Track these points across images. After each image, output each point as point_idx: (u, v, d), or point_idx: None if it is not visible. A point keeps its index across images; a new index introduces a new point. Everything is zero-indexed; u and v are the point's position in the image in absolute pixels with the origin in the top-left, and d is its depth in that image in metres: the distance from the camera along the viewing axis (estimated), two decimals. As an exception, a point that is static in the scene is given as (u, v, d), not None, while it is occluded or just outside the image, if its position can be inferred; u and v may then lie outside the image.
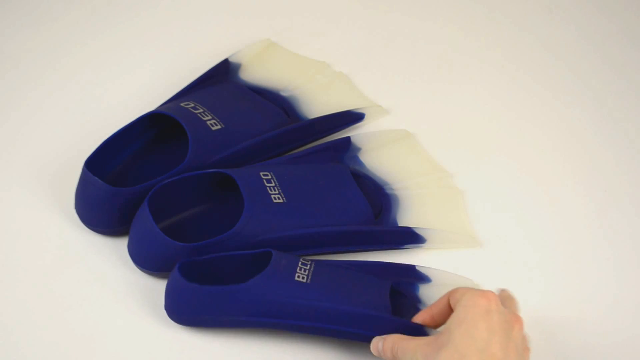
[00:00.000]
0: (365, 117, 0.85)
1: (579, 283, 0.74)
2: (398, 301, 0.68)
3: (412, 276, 0.71)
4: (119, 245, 0.72)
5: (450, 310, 0.61)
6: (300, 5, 0.99)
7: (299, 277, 0.64)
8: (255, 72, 0.88)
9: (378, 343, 0.62)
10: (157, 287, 0.69)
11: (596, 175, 0.83)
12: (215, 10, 0.97)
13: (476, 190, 0.80)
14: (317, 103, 0.85)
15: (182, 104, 0.75)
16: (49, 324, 0.67)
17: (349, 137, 0.81)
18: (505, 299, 0.63)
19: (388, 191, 0.78)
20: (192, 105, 0.75)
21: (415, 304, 0.69)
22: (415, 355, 0.58)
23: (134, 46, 0.91)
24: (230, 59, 0.87)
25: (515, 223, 0.79)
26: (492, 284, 0.72)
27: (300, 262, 0.66)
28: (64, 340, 0.66)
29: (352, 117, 0.84)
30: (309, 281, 0.64)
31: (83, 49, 0.90)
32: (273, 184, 0.71)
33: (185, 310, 0.65)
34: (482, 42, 0.97)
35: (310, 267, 0.66)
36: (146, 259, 0.69)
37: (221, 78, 0.85)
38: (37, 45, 0.90)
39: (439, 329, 0.63)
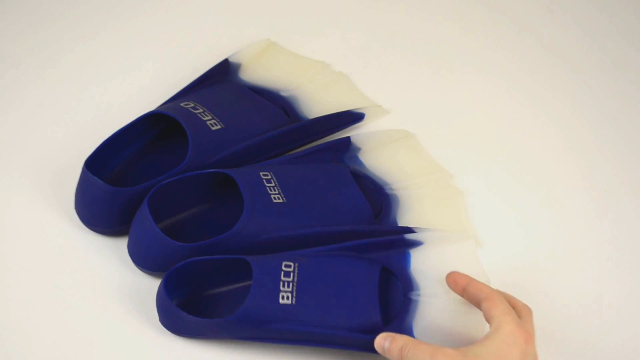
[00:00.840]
0: (365, 117, 0.85)
1: (579, 283, 0.74)
2: (389, 284, 0.68)
3: (403, 245, 0.70)
4: (119, 245, 0.72)
5: (476, 303, 0.62)
6: (300, 5, 0.99)
7: (283, 297, 0.63)
8: (255, 72, 0.88)
9: (384, 341, 0.61)
10: (157, 287, 0.69)
11: (596, 175, 0.83)
12: (215, 10, 0.97)
13: (476, 190, 0.80)
14: (317, 103, 0.85)
15: (182, 104, 0.75)
16: (49, 323, 0.67)
17: (349, 137, 0.81)
18: (521, 310, 0.62)
19: (388, 191, 0.78)
20: (192, 105, 0.75)
21: (406, 287, 0.68)
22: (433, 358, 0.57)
23: (134, 46, 0.91)
24: (230, 59, 0.87)
25: (515, 223, 0.79)
26: (491, 284, 0.72)
27: (282, 274, 0.64)
28: (64, 340, 0.66)
29: (352, 117, 0.84)
30: (294, 302, 0.63)
31: (83, 49, 0.90)
32: (273, 184, 0.71)
33: (176, 328, 0.66)
34: (482, 42, 0.97)
35: (293, 277, 0.64)
36: (146, 259, 0.69)
37: (221, 78, 0.85)
38: (37, 45, 0.90)
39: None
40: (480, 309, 0.62)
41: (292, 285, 0.64)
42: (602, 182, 0.83)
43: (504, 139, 0.86)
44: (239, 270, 0.67)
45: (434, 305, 0.66)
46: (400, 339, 0.60)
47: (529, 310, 0.63)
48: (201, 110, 0.75)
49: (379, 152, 0.81)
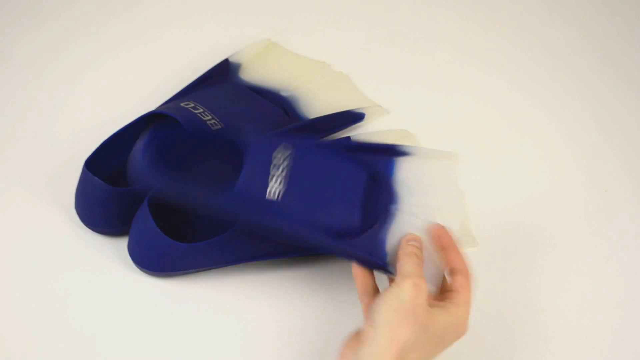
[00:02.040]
0: (365, 117, 0.85)
1: (579, 283, 0.74)
2: (373, 191, 0.67)
3: (391, 152, 0.69)
4: (119, 245, 0.72)
5: (448, 268, 0.63)
6: (300, 5, 0.99)
7: (270, 193, 0.62)
8: (255, 72, 0.88)
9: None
10: (158, 287, 0.69)
11: (596, 175, 0.83)
12: (215, 10, 0.97)
13: (476, 190, 0.80)
14: (317, 103, 0.85)
15: (182, 104, 0.75)
16: (49, 323, 0.67)
17: (349, 137, 0.81)
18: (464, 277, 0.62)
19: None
20: (192, 105, 0.75)
21: (388, 197, 0.67)
22: (409, 286, 0.58)
23: (134, 46, 0.91)
24: (230, 59, 0.87)
25: (515, 223, 0.79)
26: (491, 285, 0.72)
27: (272, 166, 0.63)
28: (64, 340, 0.66)
29: (352, 117, 0.84)
30: (280, 198, 0.62)
31: (83, 49, 0.90)
32: (202, 111, 0.71)
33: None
34: (482, 42, 0.97)
35: (285, 167, 0.63)
36: (146, 259, 0.69)
37: (221, 78, 0.85)
38: (37, 46, 0.90)
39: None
40: (449, 277, 0.62)
41: (281, 180, 0.63)
42: (602, 182, 0.83)
43: (504, 139, 0.86)
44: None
45: (409, 224, 0.65)
46: (419, 238, 0.62)
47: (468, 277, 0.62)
48: (201, 110, 0.75)
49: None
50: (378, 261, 0.63)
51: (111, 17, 0.94)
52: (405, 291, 0.57)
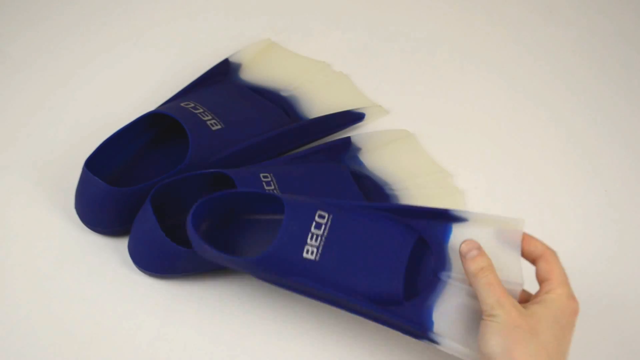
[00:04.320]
0: (365, 117, 0.85)
1: (580, 284, 0.74)
2: (422, 256, 0.63)
3: (447, 217, 0.64)
4: (119, 245, 0.72)
5: (531, 259, 0.62)
6: (300, 5, 0.99)
7: (307, 251, 0.60)
8: (255, 72, 0.88)
9: (472, 249, 0.60)
10: (158, 287, 0.69)
11: (596, 175, 0.83)
12: (215, 10, 0.97)
13: (476, 190, 0.80)
14: (317, 103, 0.85)
15: (182, 104, 0.75)
16: (49, 323, 0.67)
17: (349, 137, 0.81)
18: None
19: (388, 191, 0.78)
20: (192, 105, 0.75)
21: (439, 264, 0.63)
22: (500, 310, 0.57)
23: (134, 46, 0.91)
24: (230, 59, 0.87)
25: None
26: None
27: (313, 225, 0.61)
28: (64, 341, 0.66)
29: (352, 117, 0.84)
30: (317, 258, 0.60)
31: (83, 49, 0.90)
32: (273, 188, 0.71)
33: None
34: (482, 42, 0.97)
35: (324, 232, 0.61)
36: (147, 260, 0.69)
37: (221, 78, 0.85)
38: (37, 45, 0.90)
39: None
40: (535, 266, 0.61)
41: (320, 239, 0.61)
42: (603, 182, 0.83)
43: (504, 139, 0.86)
44: (268, 206, 0.65)
45: (461, 292, 0.62)
46: (487, 259, 0.60)
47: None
48: (201, 110, 0.75)
49: (379, 152, 0.81)
50: (422, 330, 0.60)
51: (111, 17, 0.94)
52: (501, 318, 0.57)
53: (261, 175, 0.71)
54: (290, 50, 0.92)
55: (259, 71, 0.88)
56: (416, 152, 0.83)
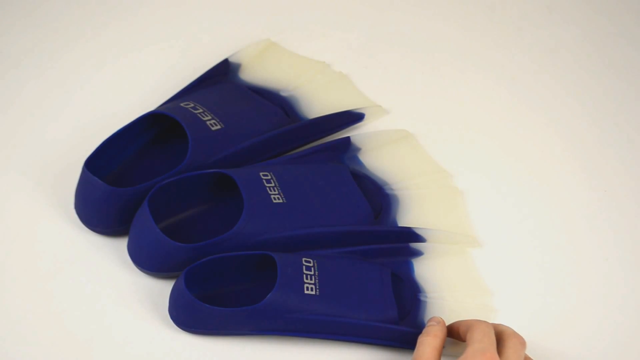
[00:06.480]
0: (365, 117, 0.85)
1: (579, 284, 0.74)
2: (398, 286, 0.71)
3: (406, 254, 0.73)
4: (119, 245, 0.72)
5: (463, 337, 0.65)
6: (300, 5, 0.99)
7: (307, 288, 0.65)
8: (255, 72, 0.88)
9: (431, 321, 0.66)
10: (158, 287, 0.69)
11: (597, 175, 0.83)
12: (215, 10, 0.97)
13: (476, 190, 0.80)
14: (317, 103, 0.85)
15: (182, 104, 0.75)
16: (49, 324, 0.67)
17: (349, 137, 0.81)
18: (506, 339, 0.63)
19: (388, 191, 0.78)
20: (192, 105, 0.75)
21: (413, 289, 0.71)
22: None
23: (133, 46, 0.91)
24: (230, 59, 0.87)
25: (515, 223, 0.79)
26: (491, 285, 0.72)
27: (304, 268, 0.66)
28: (64, 341, 0.66)
29: (352, 117, 0.84)
30: (317, 292, 0.65)
31: (83, 49, 0.90)
32: (273, 185, 0.71)
33: (193, 323, 0.66)
34: (482, 42, 0.97)
35: (314, 272, 0.67)
36: (146, 260, 0.69)
37: (221, 78, 0.85)
38: (37, 45, 0.90)
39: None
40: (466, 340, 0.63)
41: (314, 278, 0.66)
42: (603, 182, 0.83)
43: (503, 139, 0.86)
44: (254, 268, 0.68)
45: (441, 306, 0.70)
46: (437, 330, 0.64)
47: (517, 340, 0.62)
48: (201, 110, 0.75)
49: (379, 152, 0.81)
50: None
51: (111, 16, 0.94)
52: None
53: (261, 173, 0.71)
54: (290, 50, 0.92)
55: (259, 71, 0.88)
56: (416, 152, 0.83)
